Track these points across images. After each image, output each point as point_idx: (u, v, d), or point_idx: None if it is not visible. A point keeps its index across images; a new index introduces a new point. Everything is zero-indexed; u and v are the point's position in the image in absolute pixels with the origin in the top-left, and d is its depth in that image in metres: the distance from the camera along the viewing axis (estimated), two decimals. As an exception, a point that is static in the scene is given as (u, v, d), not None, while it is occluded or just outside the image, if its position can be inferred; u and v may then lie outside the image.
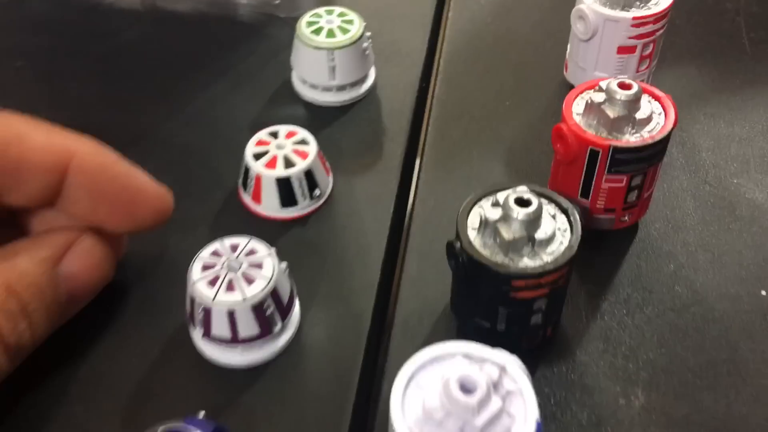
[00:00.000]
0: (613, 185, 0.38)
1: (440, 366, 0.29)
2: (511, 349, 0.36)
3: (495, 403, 0.27)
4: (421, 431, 0.27)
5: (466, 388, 0.27)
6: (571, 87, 0.48)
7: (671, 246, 0.41)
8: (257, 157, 0.42)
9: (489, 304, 0.34)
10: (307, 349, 0.37)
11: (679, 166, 0.45)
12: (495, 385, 0.28)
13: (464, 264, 0.33)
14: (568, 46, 0.49)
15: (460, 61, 0.54)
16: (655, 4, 0.44)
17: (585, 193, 0.39)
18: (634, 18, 0.44)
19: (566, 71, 0.50)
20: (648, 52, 0.46)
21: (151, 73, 0.53)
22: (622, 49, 0.45)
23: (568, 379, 0.36)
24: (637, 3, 0.44)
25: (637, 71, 0.46)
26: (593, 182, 0.38)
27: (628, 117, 0.37)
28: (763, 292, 0.39)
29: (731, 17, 0.56)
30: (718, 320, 0.38)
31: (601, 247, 0.41)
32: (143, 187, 0.36)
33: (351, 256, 0.41)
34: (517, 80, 0.52)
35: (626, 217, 0.40)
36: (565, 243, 0.33)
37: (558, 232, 0.34)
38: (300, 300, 0.39)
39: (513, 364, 0.29)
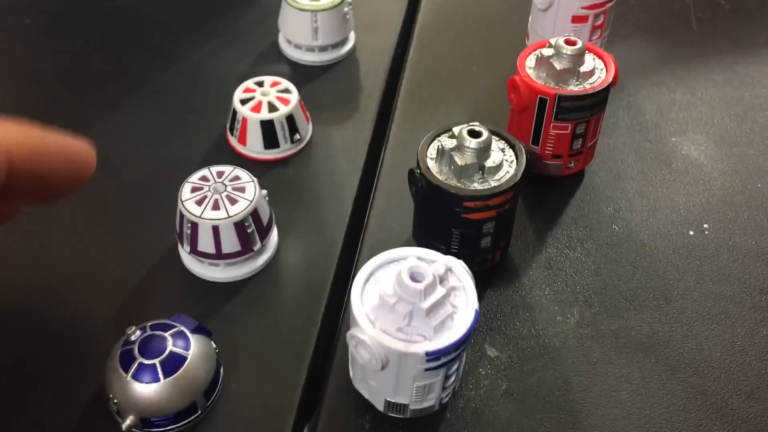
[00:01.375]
0: (560, 132, 0.43)
1: (396, 265, 0.33)
2: None
3: (439, 291, 0.31)
4: (376, 316, 0.32)
5: (415, 278, 0.31)
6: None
7: (612, 192, 0.46)
8: (244, 102, 0.47)
9: (444, 227, 0.39)
10: (283, 269, 0.42)
11: (624, 126, 0.50)
12: (441, 279, 0.32)
13: (422, 188, 0.38)
14: (530, 17, 0.53)
15: (433, 31, 0.59)
16: (606, -23, 0.49)
17: (536, 140, 0.44)
18: (587, -11, 0.49)
19: (528, 40, 0.54)
20: (600, 22, 0.51)
21: (149, 32, 0.58)
22: (576, 18, 0.50)
23: (514, 300, 0.40)
24: (590, -24, 0.49)
25: (590, 39, 0.51)
26: (542, 129, 0.43)
27: (573, 70, 0.42)
28: (691, 232, 0.44)
29: (681, 0, 0.61)
30: (649, 254, 0.43)
31: (550, 191, 0.46)
32: (77, 149, 0.33)
33: (326, 193, 0.46)
34: (484, 48, 0.57)
35: (572, 164, 0.45)
36: (512, 172, 0.38)
37: (505, 163, 0.38)
38: (279, 230, 0.43)
39: (458, 265, 0.34)
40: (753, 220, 0.44)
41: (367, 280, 0.33)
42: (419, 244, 0.42)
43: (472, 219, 0.38)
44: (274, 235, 0.42)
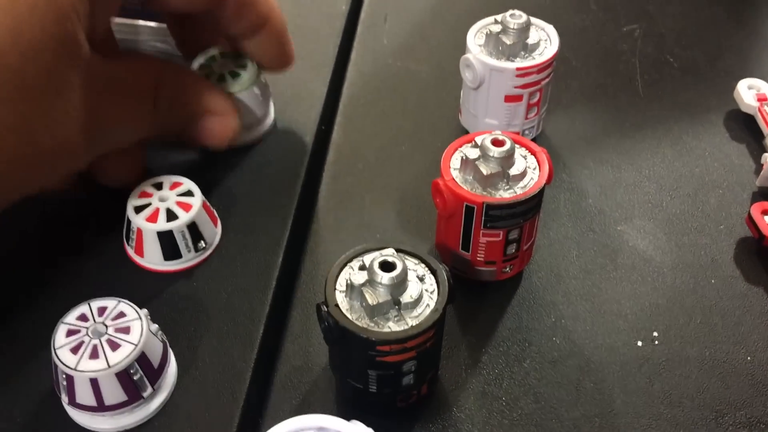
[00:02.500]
0: (491, 239, 0.39)
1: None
2: (387, 409, 0.36)
3: (339, 481, 0.27)
4: None
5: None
6: (466, 132, 0.48)
7: (553, 296, 0.42)
8: (138, 210, 0.41)
9: (358, 367, 0.34)
10: (182, 410, 0.37)
11: (565, 213, 0.46)
12: (342, 462, 0.27)
13: (331, 328, 0.33)
14: (461, 92, 0.49)
15: (359, 104, 0.54)
16: (540, 54, 0.45)
17: (465, 246, 0.39)
18: (518, 69, 0.44)
19: (461, 116, 0.50)
20: (535, 100, 0.46)
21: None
22: (509, 98, 0.46)
23: (445, 440, 0.36)
24: (522, 53, 0.45)
25: (527, 118, 0.47)
26: (471, 236, 0.39)
27: (502, 173, 0.37)
28: (639, 343, 0.40)
29: (627, 58, 0.57)
30: (593, 372, 0.38)
31: (484, 298, 0.41)
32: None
33: (235, 308, 0.41)
34: (414, 124, 0.52)
35: (508, 269, 0.41)
36: (432, 305, 0.33)
37: (426, 294, 0.34)
38: (179, 360, 0.38)
39: (367, 437, 0.29)
40: (707, 325, 0.40)
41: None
42: (336, 379, 0.37)
43: (389, 362, 0.33)
44: (170, 372, 0.37)
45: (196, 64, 0.48)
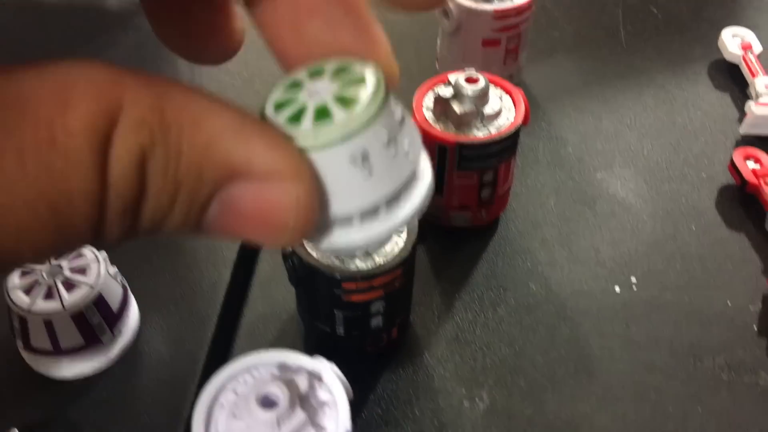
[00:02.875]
0: (465, 182, 0.37)
1: (251, 376, 0.27)
2: (356, 353, 0.35)
3: (297, 416, 0.25)
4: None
5: (268, 403, 0.25)
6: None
7: (530, 243, 0.41)
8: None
9: (325, 308, 0.33)
10: (144, 357, 0.35)
11: (544, 161, 0.45)
12: (303, 398, 0.26)
13: (296, 267, 0.32)
14: (438, 40, 0.47)
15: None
16: (518, -4, 0.44)
17: (439, 190, 0.38)
18: (496, 11, 0.43)
19: (437, 64, 0.49)
20: (513, 45, 0.45)
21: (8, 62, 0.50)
22: (487, 42, 0.44)
23: (414, 383, 0.35)
24: (500, -4, 0.44)
25: (504, 64, 0.46)
26: (445, 178, 0.37)
27: (476, 112, 0.36)
28: (617, 288, 0.39)
29: (610, 9, 0.56)
30: (569, 318, 0.37)
31: (459, 245, 0.40)
32: None
33: (201, 258, 0.39)
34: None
35: (483, 214, 0.40)
36: (400, 244, 0.32)
37: (394, 235, 0.32)
38: (141, 307, 0.37)
39: (329, 372, 0.28)
40: (686, 272, 0.39)
41: (217, 397, 0.27)
42: (304, 323, 0.36)
43: (355, 301, 0.32)
44: (132, 318, 0.36)
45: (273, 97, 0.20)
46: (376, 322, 0.33)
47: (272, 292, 0.38)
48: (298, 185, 0.16)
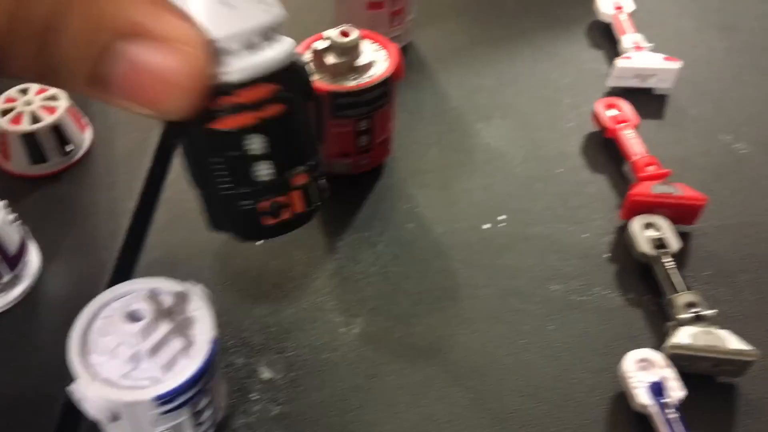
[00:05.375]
0: (341, 129, 0.41)
1: (122, 302, 0.30)
2: (255, 230, 0.25)
3: (163, 327, 0.28)
4: (100, 363, 0.29)
5: (135, 318, 0.28)
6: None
7: (410, 188, 0.44)
8: (4, 113, 0.42)
9: (199, 161, 0.24)
10: (46, 298, 0.38)
11: (428, 116, 0.48)
12: (169, 312, 0.29)
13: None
14: (334, 5, 0.50)
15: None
16: (398, -40, 0.47)
17: (320, 138, 0.41)
18: (376, -26, 0.46)
19: (332, 28, 0.52)
20: (398, 8, 0.48)
21: None
22: (371, 5, 0.47)
23: (296, 314, 0.38)
24: (381, -40, 0.47)
25: (391, 26, 0.49)
26: (322, 128, 0.41)
27: (349, 63, 0.39)
28: (487, 225, 0.42)
29: (501, -23, 0.60)
30: (441, 252, 0.41)
31: (342, 191, 0.44)
32: None
33: (102, 209, 0.42)
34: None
35: (364, 161, 0.43)
36: (278, 58, 0.23)
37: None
38: (45, 254, 0.39)
39: (197, 292, 0.31)
40: (550, 208, 0.43)
41: (91, 322, 0.30)
42: (212, 225, 0.26)
43: (222, 130, 0.22)
44: (32, 262, 0.38)
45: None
46: (263, 171, 0.24)
47: (171, 237, 0.41)
48: (197, 49, 0.20)
